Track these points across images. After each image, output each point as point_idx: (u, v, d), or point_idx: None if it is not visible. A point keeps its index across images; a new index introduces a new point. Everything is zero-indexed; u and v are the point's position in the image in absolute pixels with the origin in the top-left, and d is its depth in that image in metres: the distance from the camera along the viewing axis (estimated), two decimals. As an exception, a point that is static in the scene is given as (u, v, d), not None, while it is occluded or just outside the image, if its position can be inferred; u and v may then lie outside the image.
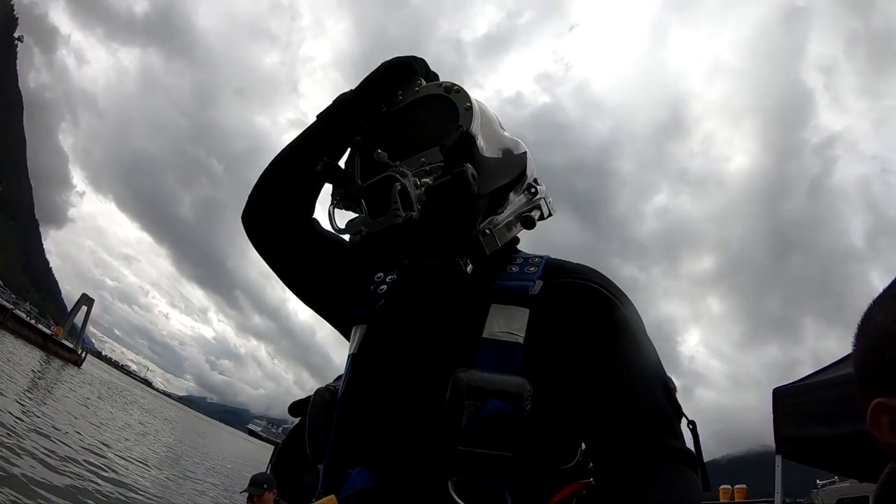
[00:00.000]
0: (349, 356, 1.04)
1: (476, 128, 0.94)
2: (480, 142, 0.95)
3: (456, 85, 0.99)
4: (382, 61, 1.06)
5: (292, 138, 1.13)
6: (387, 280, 1.11)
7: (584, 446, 0.92)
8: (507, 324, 0.88)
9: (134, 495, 9.80)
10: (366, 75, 1.06)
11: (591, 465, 0.90)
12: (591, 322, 0.88)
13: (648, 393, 0.84)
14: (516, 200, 1.05)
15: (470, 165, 0.88)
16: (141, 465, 13.51)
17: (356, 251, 0.95)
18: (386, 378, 0.95)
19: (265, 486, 4.46)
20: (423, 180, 0.88)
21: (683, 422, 0.87)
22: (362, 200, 0.92)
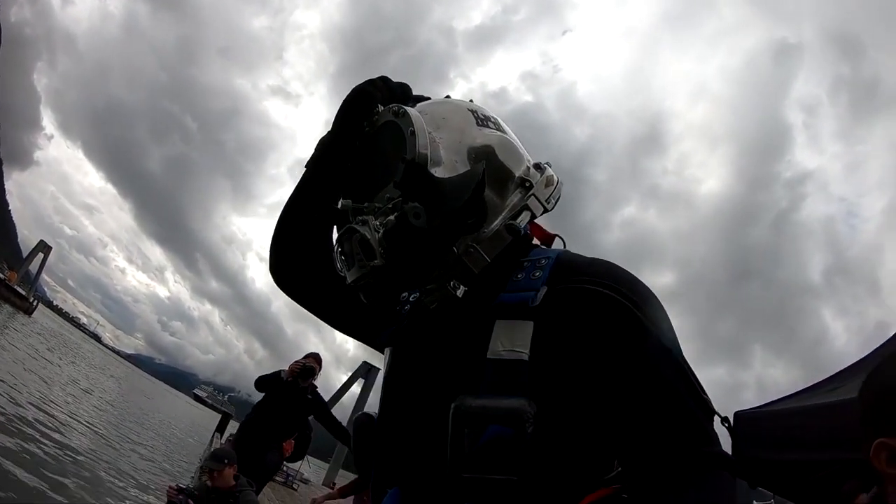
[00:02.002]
0: (383, 378, 1.07)
1: (424, 149, 0.93)
2: (441, 156, 0.95)
3: (401, 107, 0.99)
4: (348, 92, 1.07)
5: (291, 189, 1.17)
6: (410, 299, 1.12)
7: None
8: (511, 341, 0.85)
9: (78, 457, 9.60)
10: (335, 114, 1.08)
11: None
12: (603, 333, 0.84)
13: (676, 401, 0.80)
14: (508, 203, 1.01)
15: (413, 204, 0.87)
16: (86, 425, 13.23)
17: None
18: (406, 403, 0.98)
19: (226, 461, 4.33)
20: (388, 219, 0.89)
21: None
22: (337, 255, 0.96)
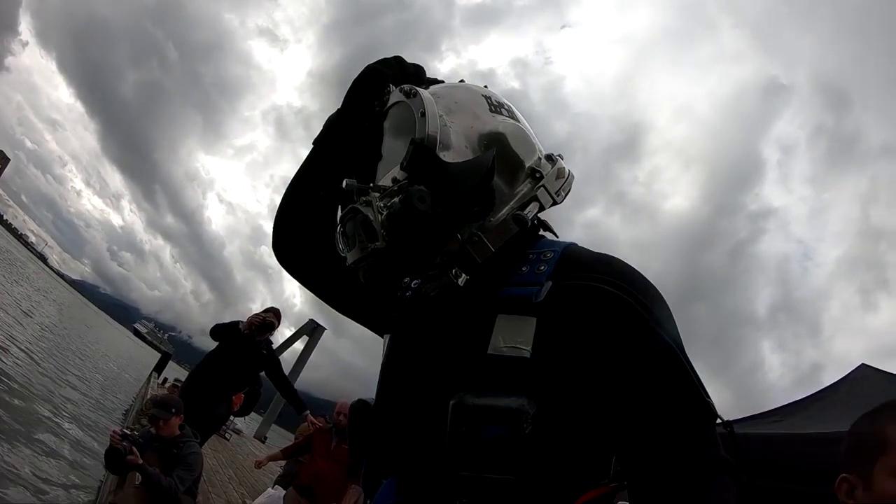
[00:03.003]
0: (381, 365, 1.06)
1: (434, 132, 0.92)
2: (451, 140, 0.94)
3: (413, 88, 0.98)
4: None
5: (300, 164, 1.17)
6: (412, 285, 1.09)
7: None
8: (512, 337, 0.82)
9: (12, 385, 9.31)
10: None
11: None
12: (607, 331, 0.82)
13: (678, 402, 0.79)
14: (517, 193, 0.99)
15: (419, 187, 0.86)
16: (25, 351, 12.84)
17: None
18: (403, 395, 0.97)
19: (173, 410, 4.24)
20: (392, 201, 0.87)
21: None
22: (339, 234, 0.94)
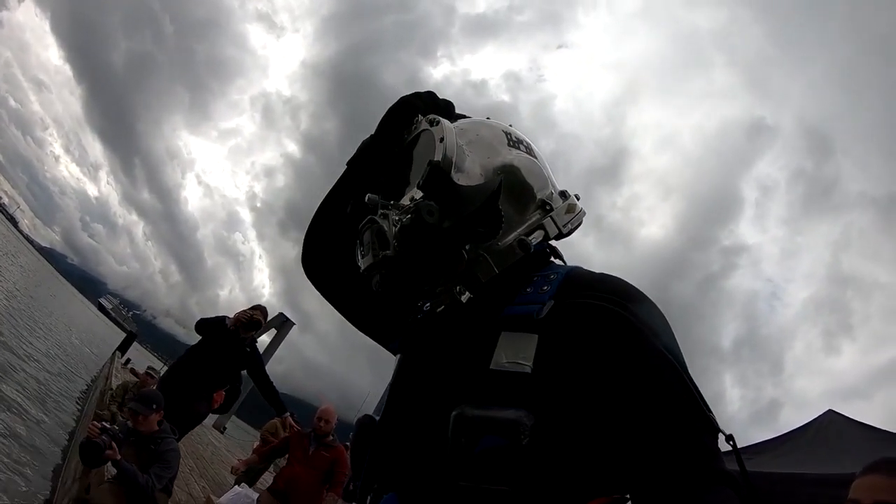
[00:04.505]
0: (389, 383, 1.11)
1: (451, 156, 1.00)
2: (466, 166, 1.02)
3: (437, 118, 1.08)
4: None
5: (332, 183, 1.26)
6: (424, 309, 1.14)
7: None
8: (514, 353, 0.86)
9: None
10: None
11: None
12: (602, 345, 0.85)
13: (678, 414, 0.80)
14: (525, 220, 1.07)
15: (429, 202, 0.93)
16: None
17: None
18: (407, 410, 1.01)
19: (154, 406, 4.13)
20: (408, 216, 0.95)
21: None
22: (357, 244, 1.02)
